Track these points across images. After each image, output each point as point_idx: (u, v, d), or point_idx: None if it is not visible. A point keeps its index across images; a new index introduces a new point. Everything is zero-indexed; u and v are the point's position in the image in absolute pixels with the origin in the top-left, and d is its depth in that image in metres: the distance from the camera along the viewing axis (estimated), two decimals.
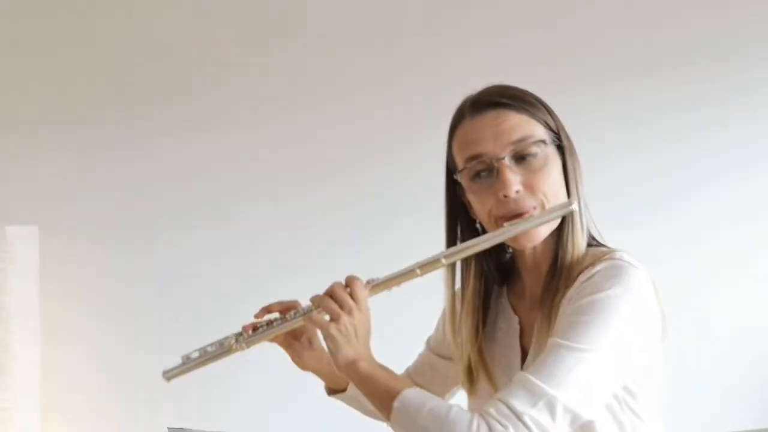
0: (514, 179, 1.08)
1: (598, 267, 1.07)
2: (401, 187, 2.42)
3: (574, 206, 1.08)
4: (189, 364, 1.32)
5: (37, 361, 2.34)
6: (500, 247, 1.19)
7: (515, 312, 1.20)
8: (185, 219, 2.48)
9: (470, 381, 1.21)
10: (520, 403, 0.98)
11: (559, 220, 1.12)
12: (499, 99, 1.12)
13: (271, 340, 1.27)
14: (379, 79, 2.47)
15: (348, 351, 1.08)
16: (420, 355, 1.43)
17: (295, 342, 1.29)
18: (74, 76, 2.49)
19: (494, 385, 1.18)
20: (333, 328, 1.09)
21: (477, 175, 1.11)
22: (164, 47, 2.50)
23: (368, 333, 1.11)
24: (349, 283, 1.12)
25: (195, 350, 1.31)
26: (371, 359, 1.10)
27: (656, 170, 2.43)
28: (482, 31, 2.46)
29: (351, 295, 1.11)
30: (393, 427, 1.05)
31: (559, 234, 1.13)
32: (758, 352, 2.45)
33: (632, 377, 1.08)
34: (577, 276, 1.08)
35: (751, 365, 2.45)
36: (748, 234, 2.46)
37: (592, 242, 1.16)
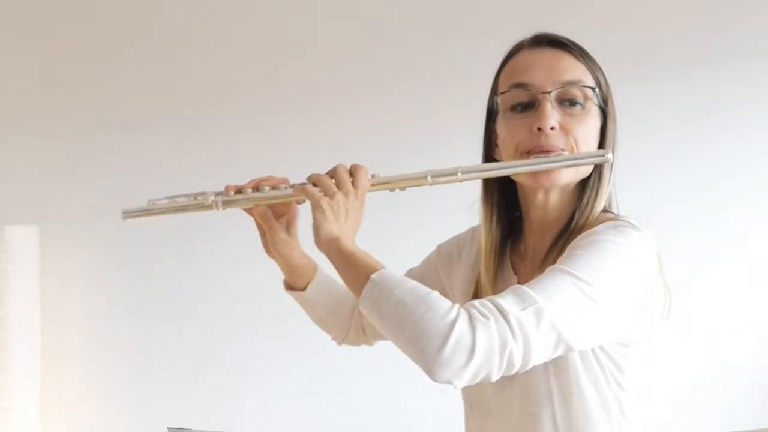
0: (553, 114, 1.06)
1: (600, 226, 1.05)
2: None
3: (609, 156, 1.06)
4: (153, 208, 1.20)
5: (37, 361, 2.34)
6: (511, 202, 1.18)
7: (515, 272, 1.17)
8: (185, 219, 2.47)
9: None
10: (507, 304, 0.92)
11: (585, 172, 1.10)
12: (562, 40, 1.12)
13: (250, 209, 1.20)
14: (380, 78, 2.48)
15: (333, 227, 1.03)
16: None
17: (273, 220, 1.20)
18: (75, 76, 2.49)
19: None
20: (325, 201, 1.04)
21: (516, 106, 1.09)
22: (165, 48, 2.49)
23: (358, 221, 1.06)
24: (354, 169, 1.08)
25: (164, 197, 1.20)
26: (354, 241, 1.04)
27: (656, 170, 2.43)
28: (483, 31, 2.46)
29: (353, 180, 1.07)
30: (361, 304, 0.98)
31: (581, 193, 1.11)
32: (758, 351, 2.45)
33: (618, 341, 1.04)
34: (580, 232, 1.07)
35: (750, 365, 2.45)
36: (749, 233, 2.46)
37: (606, 210, 1.13)
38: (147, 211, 1.20)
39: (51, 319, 2.41)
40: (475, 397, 1.17)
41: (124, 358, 2.47)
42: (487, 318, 0.91)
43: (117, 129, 2.48)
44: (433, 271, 1.31)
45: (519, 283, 1.11)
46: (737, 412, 2.41)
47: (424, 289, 0.95)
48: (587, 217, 1.09)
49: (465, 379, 0.90)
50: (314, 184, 1.08)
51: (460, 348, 0.88)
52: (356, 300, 1.20)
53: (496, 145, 1.15)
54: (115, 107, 2.48)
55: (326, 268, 1.15)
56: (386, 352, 2.42)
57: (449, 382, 0.90)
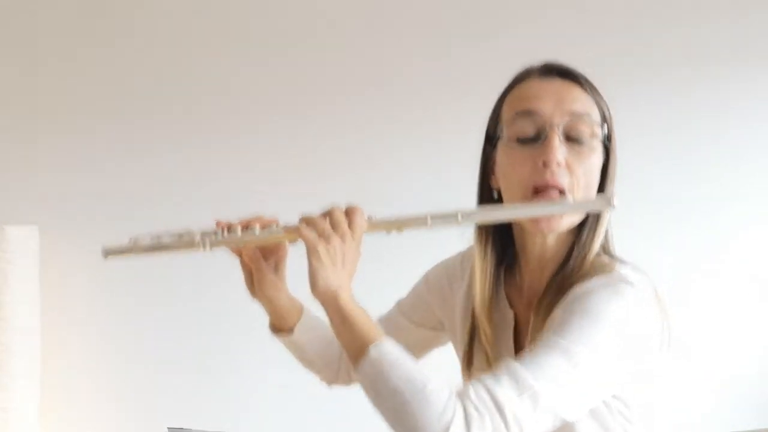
0: (560, 149, 1.02)
1: (594, 282, 1.02)
2: (402, 186, 2.43)
3: (615, 203, 1.01)
4: (135, 247, 1.14)
5: (37, 361, 2.34)
6: (509, 235, 1.14)
7: (511, 306, 1.15)
8: (186, 219, 2.47)
9: (470, 353, 1.15)
10: (503, 393, 0.92)
11: (582, 216, 1.07)
12: (571, 71, 1.10)
13: (237, 250, 1.16)
14: (380, 78, 2.48)
15: (331, 276, 0.97)
16: (386, 314, 1.35)
17: (261, 261, 1.16)
18: (75, 76, 2.49)
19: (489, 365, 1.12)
20: (321, 246, 0.97)
21: (522, 138, 1.05)
22: (165, 48, 2.49)
23: (355, 265, 1.00)
24: (350, 210, 1.02)
25: (147, 234, 1.14)
26: (351, 294, 1.00)
27: (656, 171, 2.43)
28: (483, 31, 2.46)
29: (349, 222, 1.01)
30: (356, 375, 0.97)
31: (579, 231, 1.08)
32: (758, 351, 2.45)
33: (623, 387, 1.04)
34: (574, 284, 1.04)
35: (750, 365, 2.45)
36: (749, 233, 2.46)
37: (600, 250, 1.11)
38: (129, 250, 1.15)
39: (51, 319, 2.41)
40: None
41: (124, 358, 2.47)
42: (482, 415, 0.90)
43: (117, 129, 2.48)
44: (423, 303, 1.29)
45: (516, 319, 1.12)
46: (737, 413, 2.41)
47: (421, 378, 0.93)
48: (584, 257, 1.07)
49: None
50: (308, 225, 1.02)
51: None
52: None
53: (493, 173, 1.11)
54: (116, 107, 2.48)
55: (313, 306, 1.11)
56: None
57: None
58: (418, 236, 1.07)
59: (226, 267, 2.54)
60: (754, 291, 2.46)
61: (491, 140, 1.11)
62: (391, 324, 1.31)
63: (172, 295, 2.46)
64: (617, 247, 1.14)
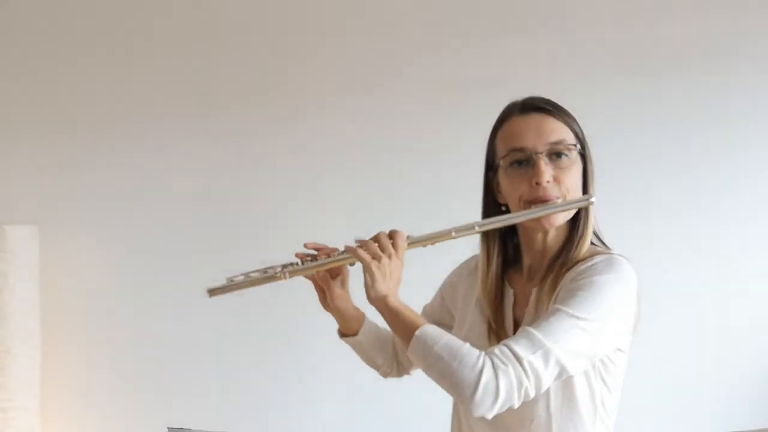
0: (547, 170, 1.30)
1: (597, 258, 1.29)
2: (403, 184, 2.43)
3: (593, 200, 1.32)
4: (233, 284, 1.43)
5: (37, 361, 2.34)
6: (511, 232, 1.42)
7: (510, 285, 1.41)
8: (186, 219, 2.48)
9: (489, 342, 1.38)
10: (521, 349, 1.18)
11: (574, 212, 1.34)
12: (544, 105, 1.36)
13: (311, 275, 1.44)
14: (380, 78, 2.48)
15: (382, 286, 1.26)
16: None
17: (330, 281, 1.45)
18: (75, 77, 2.49)
19: None
20: (374, 265, 1.27)
21: (516, 163, 1.33)
22: (165, 49, 2.50)
23: (399, 279, 1.29)
24: (393, 234, 1.31)
25: (240, 274, 1.43)
26: (398, 298, 1.28)
27: (657, 171, 2.43)
28: (484, 31, 2.46)
29: (393, 244, 1.30)
30: (410, 354, 1.24)
31: (573, 225, 1.36)
32: (758, 351, 2.45)
33: (609, 352, 1.29)
34: (577, 263, 1.30)
35: (751, 365, 2.45)
36: (749, 233, 2.46)
37: (594, 240, 1.38)
38: (228, 287, 1.43)
39: (51, 319, 2.41)
40: None
41: (124, 358, 2.47)
42: (506, 365, 1.17)
43: (117, 129, 2.48)
44: (440, 302, 1.57)
45: (515, 295, 1.40)
46: (737, 412, 2.41)
47: (457, 343, 1.21)
48: (582, 240, 1.35)
49: (493, 413, 1.18)
50: (361, 247, 1.32)
51: (487, 393, 1.17)
52: (397, 341, 1.55)
53: (499, 192, 1.39)
54: (116, 107, 2.48)
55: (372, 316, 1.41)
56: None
57: (482, 416, 1.19)
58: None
59: (227, 267, 2.54)
60: (755, 291, 2.46)
61: (491, 167, 1.39)
62: None
63: (172, 295, 2.45)
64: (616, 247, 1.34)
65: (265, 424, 2.45)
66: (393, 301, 1.27)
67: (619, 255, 1.31)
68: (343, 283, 1.47)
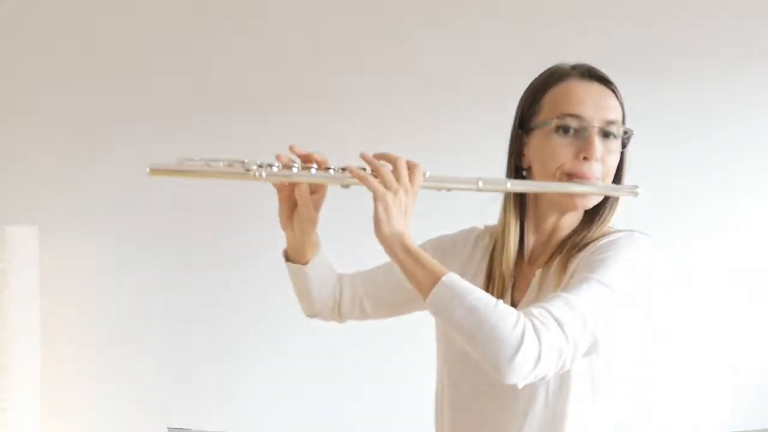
0: (599, 147, 1.20)
1: (619, 234, 1.20)
2: None
3: (638, 190, 1.23)
4: (182, 167, 1.13)
5: (37, 361, 2.34)
6: (521, 208, 1.29)
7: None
8: (186, 220, 2.47)
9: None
10: (561, 314, 1.05)
11: (602, 197, 1.24)
12: (607, 78, 1.25)
13: (290, 184, 1.23)
14: (380, 77, 2.48)
15: (399, 221, 1.10)
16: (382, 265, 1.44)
17: (308, 197, 1.25)
18: (75, 77, 2.49)
19: None
20: (389, 196, 1.10)
21: (565, 129, 1.21)
22: (165, 47, 2.49)
23: (409, 216, 1.13)
24: (411, 166, 1.15)
25: (199, 157, 1.14)
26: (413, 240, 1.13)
27: (659, 171, 2.43)
28: (484, 30, 2.46)
29: (409, 176, 1.14)
30: (429, 303, 1.07)
31: (593, 211, 1.25)
32: (759, 351, 2.45)
33: (621, 336, 1.16)
34: (593, 242, 1.20)
35: (751, 365, 2.45)
36: (752, 233, 2.46)
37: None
38: (177, 170, 1.12)
39: (51, 319, 2.41)
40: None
41: (124, 358, 2.47)
42: (548, 328, 1.04)
43: (118, 129, 2.48)
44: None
45: (515, 276, 1.27)
46: (738, 412, 2.41)
47: (492, 298, 1.06)
48: (602, 227, 1.25)
49: (529, 381, 1.05)
50: (372, 173, 1.14)
51: (529, 357, 1.02)
52: (339, 280, 1.39)
53: (523, 155, 1.26)
54: (116, 107, 2.48)
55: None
56: (389, 355, 2.43)
57: (515, 383, 1.04)
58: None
59: (227, 267, 2.55)
60: (756, 290, 2.46)
61: (525, 125, 1.26)
62: (385, 270, 1.42)
63: (172, 295, 2.46)
64: None
65: (266, 424, 2.45)
66: (410, 240, 1.11)
67: (640, 232, 1.21)
68: (317, 203, 1.26)
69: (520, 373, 1.02)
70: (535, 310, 1.05)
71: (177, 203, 2.47)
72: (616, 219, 1.28)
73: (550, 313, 1.05)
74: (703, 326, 2.42)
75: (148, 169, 1.14)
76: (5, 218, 2.35)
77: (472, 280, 1.24)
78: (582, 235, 1.23)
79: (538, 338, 1.02)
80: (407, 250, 1.10)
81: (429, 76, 2.45)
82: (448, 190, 1.19)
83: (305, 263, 1.32)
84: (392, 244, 1.10)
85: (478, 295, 1.05)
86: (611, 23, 2.45)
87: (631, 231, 1.21)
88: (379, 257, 1.24)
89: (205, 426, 2.27)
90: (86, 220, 2.48)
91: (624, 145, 1.25)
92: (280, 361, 2.46)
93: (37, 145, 2.49)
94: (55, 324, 2.43)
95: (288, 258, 1.34)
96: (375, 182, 1.12)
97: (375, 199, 1.11)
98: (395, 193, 1.11)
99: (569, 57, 1.30)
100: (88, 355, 2.47)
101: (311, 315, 1.43)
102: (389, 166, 1.15)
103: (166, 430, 1.70)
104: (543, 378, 1.06)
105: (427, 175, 1.17)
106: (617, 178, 1.26)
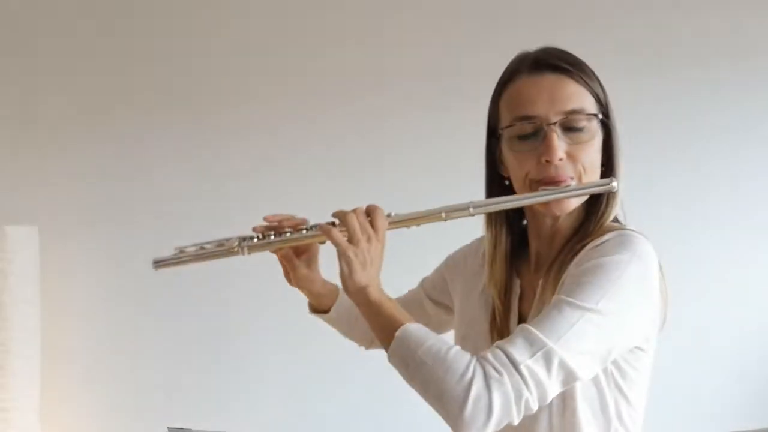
0: (560, 146, 1.08)
1: (606, 236, 1.08)
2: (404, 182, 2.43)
3: (614, 185, 1.09)
4: (182, 257, 1.25)
5: (37, 361, 2.34)
6: (519, 213, 1.21)
7: (517, 275, 1.21)
8: (186, 220, 2.47)
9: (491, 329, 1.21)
10: (518, 352, 0.98)
11: (587, 196, 1.13)
12: (559, 63, 1.12)
13: (274, 251, 1.25)
14: (381, 76, 2.48)
15: (361, 276, 1.07)
16: (411, 292, 1.45)
17: (295, 260, 1.27)
18: (75, 77, 2.49)
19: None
20: (351, 251, 1.07)
21: (522, 136, 1.10)
22: (165, 48, 2.49)
23: (381, 262, 1.10)
24: (371, 211, 1.11)
25: (192, 244, 1.24)
26: (380, 288, 1.09)
27: (661, 171, 2.43)
28: (484, 28, 2.46)
29: (371, 223, 1.10)
30: (390, 357, 1.04)
31: (591, 207, 1.14)
32: (759, 351, 2.45)
33: (626, 353, 1.08)
34: (585, 246, 1.09)
35: (752, 365, 2.45)
36: (752, 233, 2.46)
37: (613, 220, 1.17)
38: (177, 260, 1.25)
39: (51, 319, 2.41)
40: None
41: (124, 358, 2.47)
42: (500, 374, 0.96)
43: (117, 129, 2.48)
44: (441, 280, 1.38)
45: (522, 287, 1.18)
46: (737, 412, 2.41)
47: (444, 346, 1.00)
48: (600, 225, 1.13)
49: (491, 430, 0.97)
50: (334, 224, 1.12)
51: (479, 409, 0.96)
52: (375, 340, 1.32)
53: (502, 163, 1.17)
54: (116, 108, 2.48)
55: None
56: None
57: None
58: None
59: (227, 267, 2.54)
60: (756, 290, 2.46)
61: (494, 134, 1.17)
62: (414, 302, 1.41)
63: (172, 295, 2.45)
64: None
65: (265, 424, 2.44)
66: (374, 292, 1.07)
67: (633, 230, 1.09)
68: (310, 262, 1.27)
69: (473, 427, 0.96)
70: (490, 354, 0.99)
71: (177, 203, 2.47)
72: (628, 209, 1.18)
73: (507, 354, 0.98)
74: (702, 325, 2.42)
75: (152, 265, 1.28)
76: (5, 218, 2.35)
77: (479, 297, 1.24)
78: (580, 237, 1.13)
79: (488, 387, 0.96)
80: (370, 304, 1.07)
81: (429, 75, 2.45)
82: (418, 225, 1.14)
83: (327, 311, 1.35)
84: (356, 299, 1.09)
85: (428, 346, 1.00)
86: (614, 20, 2.45)
87: (622, 232, 1.09)
88: (401, 286, 1.26)
89: (205, 426, 2.27)
90: (86, 220, 2.47)
91: (608, 132, 1.13)
92: (281, 361, 2.46)
93: (37, 145, 2.49)
94: (55, 324, 2.43)
95: (312, 309, 1.38)
96: (338, 236, 1.09)
97: (338, 255, 1.09)
98: (357, 244, 1.07)
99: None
100: (87, 355, 2.47)
101: (366, 348, 1.45)
102: (360, 214, 1.10)
103: (166, 430, 1.70)
104: (507, 424, 0.98)
105: (392, 215, 1.13)
106: (608, 169, 1.14)
